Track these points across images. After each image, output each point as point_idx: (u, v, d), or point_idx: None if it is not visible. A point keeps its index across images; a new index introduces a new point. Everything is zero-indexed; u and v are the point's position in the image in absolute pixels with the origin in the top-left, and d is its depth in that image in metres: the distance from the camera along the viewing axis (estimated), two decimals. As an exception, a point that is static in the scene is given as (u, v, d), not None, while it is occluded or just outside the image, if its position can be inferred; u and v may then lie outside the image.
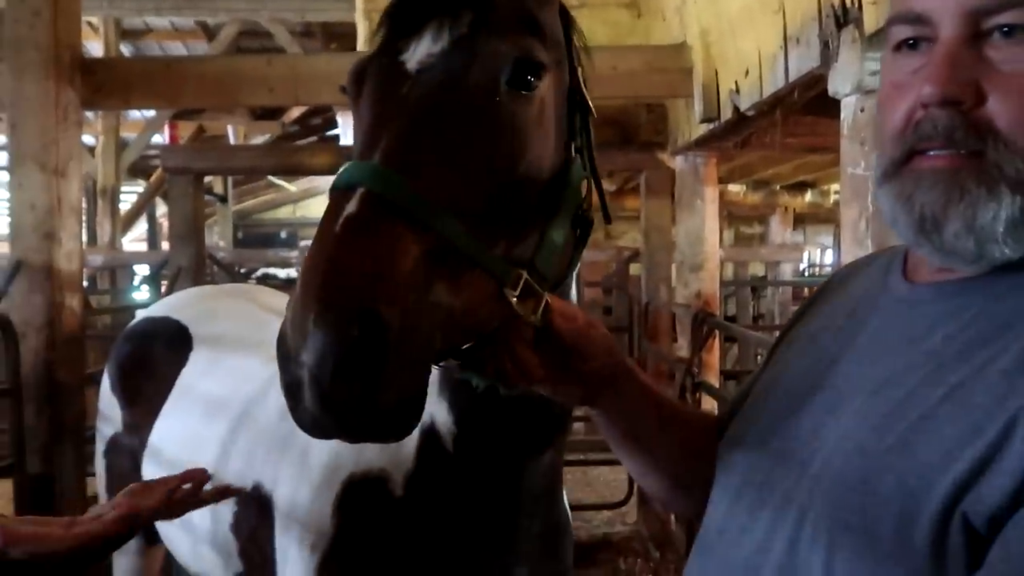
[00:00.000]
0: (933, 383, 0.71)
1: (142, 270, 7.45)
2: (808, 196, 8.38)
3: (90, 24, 7.61)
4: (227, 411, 1.92)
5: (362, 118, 0.95)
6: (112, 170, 8.21)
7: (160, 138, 8.73)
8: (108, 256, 7.34)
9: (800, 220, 9.85)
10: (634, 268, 6.08)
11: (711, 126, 3.67)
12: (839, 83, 2.33)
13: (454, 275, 0.84)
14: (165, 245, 9.73)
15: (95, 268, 6.81)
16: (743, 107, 3.23)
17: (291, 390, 0.79)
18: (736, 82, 3.27)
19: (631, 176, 6.98)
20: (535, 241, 0.97)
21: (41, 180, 3.28)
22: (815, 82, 2.64)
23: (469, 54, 0.93)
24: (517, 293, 0.90)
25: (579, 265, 1.20)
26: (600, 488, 5.71)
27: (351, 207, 0.81)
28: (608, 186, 7.36)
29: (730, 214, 9.70)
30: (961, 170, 0.69)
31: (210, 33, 8.69)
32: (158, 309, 2.62)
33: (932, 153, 0.71)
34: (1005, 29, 0.68)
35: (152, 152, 9.98)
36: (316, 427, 0.79)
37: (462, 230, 0.85)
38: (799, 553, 0.75)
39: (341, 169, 0.87)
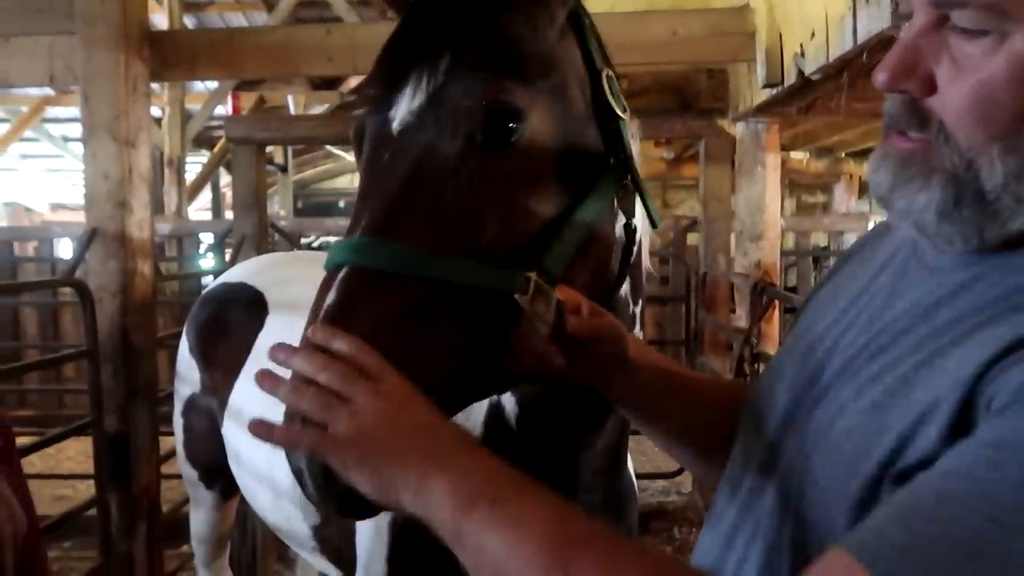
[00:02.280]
0: (917, 349, 0.71)
1: (207, 238, 7.66)
2: (875, 163, 8.10)
3: (155, -3, 7.78)
4: None
5: (362, 173, 0.97)
6: (178, 141, 8.42)
7: (223, 109, 8.91)
8: (175, 224, 7.56)
9: (865, 188, 9.54)
10: (691, 238, 5.99)
11: (774, 91, 3.57)
12: (911, 44, 2.24)
13: (453, 309, 0.87)
14: (228, 214, 9.98)
15: (163, 236, 7.03)
16: (808, 71, 3.13)
17: (297, 476, 0.85)
18: (801, 45, 3.17)
19: (690, 144, 6.85)
20: (543, 246, 0.95)
21: (113, 150, 3.40)
22: (885, 44, 2.53)
23: (442, 113, 0.91)
24: (529, 296, 0.89)
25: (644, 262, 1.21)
26: (655, 457, 5.71)
27: (333, 296, 0.88)
28: (666, 153, 7.24)
29: (792, 182, 9.45)
30: (913, 155, 0.72)
31: (269, 4, 8.79)
32: (233, 275, 2.70)
33: (894, 134, 0.74)
34: (962, 27, 0.68)
35: (215, 123, 10.21)
36: (323, 506, 0.86)
37: (456, 262, 0.87)
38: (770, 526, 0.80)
39: (333, 249, 0.91)
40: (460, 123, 0.90)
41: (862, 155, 8.04)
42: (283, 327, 2.27)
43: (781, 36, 3.42)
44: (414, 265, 0.85)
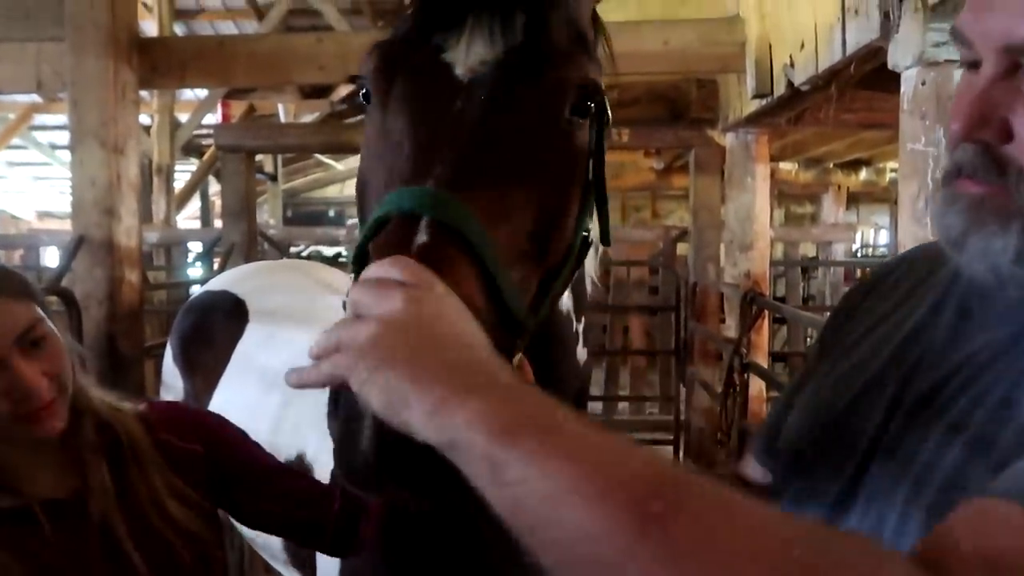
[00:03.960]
0: (1006, 377, 0.73)
1: (196, 247, 7.62)
2: (863, 174, 8.15)
3: (144, 4, 7.75)
4: (281, 383, 1.97)
5: (404, 124, 0.84)
6: (167, 149, 8.38)
7: (212, 118, 8.88)
8: (163, 233, 7.52)
9: (853, 199, 9.61)
10: (681, 248, 6.01)
11: (763, 102, 3.60)
12: (899, 55, 2.25)
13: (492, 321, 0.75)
14: (217, 223, 9.93)
15: (151, 245, 6.98)
16: (797, 82, 3.15)
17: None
18: (791, 56, 3.19)
19: (680, 154, 6.88)
20: (537, 288, 0.88)
21: (101, 157, 3.38)
22: (873, 55, 2.56)
23: (531, 74, 0.84)
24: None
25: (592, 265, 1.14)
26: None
27: (422, 238, 0.73)
28: (656, 164, 7.27)
29: (781, 193, 9.49)
30: (985, 200, 0.72)
31: (260, 12, 8.78)
32: (217, 283, 2.69)
33: (964, 178, 0.74)
34: None
35: (204, 132, 10.15)
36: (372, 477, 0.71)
37: (511, 281, 0.78)
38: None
39: (394, 194, 0.77)
40: (553, 90, 0.84)
41: (850, 166, 8.10)
42: (263, 334, 2.26)
43: (771, 47, 3.44)
44: (490, 257, 0.75)
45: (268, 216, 10.99)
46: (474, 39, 0.83)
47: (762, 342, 4.19)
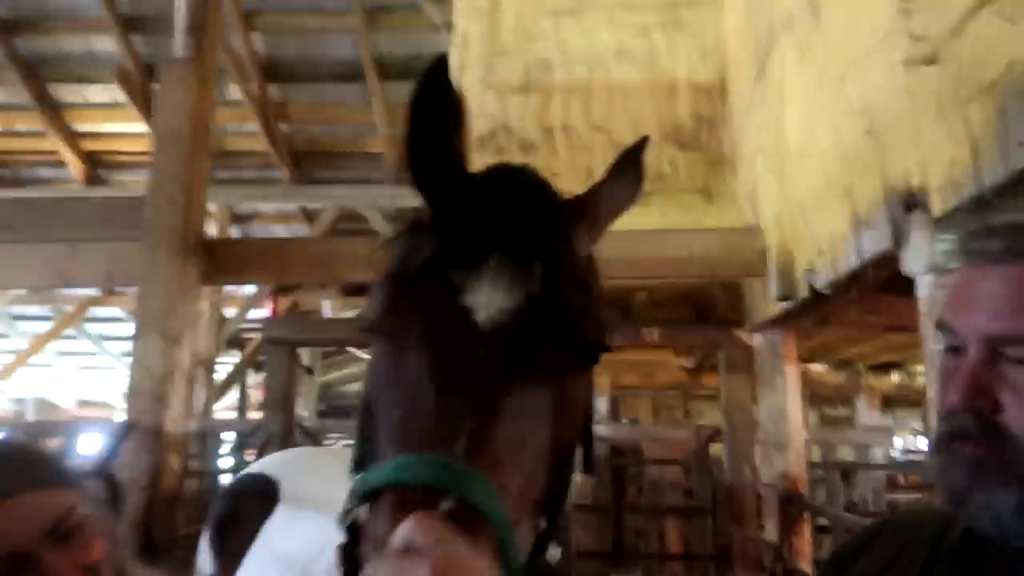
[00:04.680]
0: None
1: (229, 436, 7.71)
2: (895, 377, 8.15)
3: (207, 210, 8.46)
4: (293, 568, 1.98)
5: (421, 368, 0.79)
6: (212, 342, 8.74)
7: (256, 312, 9.35)
8: (201, 423, 7.65)
9: (888, 403, 9.52)
10: (715, 448, 5.96)
11: (788, 305, 3.75)
12: (912, 262, 2.41)
13: None
14: (252, 414, 10.07)
15: (188, 433, 7.10)
16: (819, 286, 3.31)
17: None
18: (810, 262, 3.38)
19: (709, 353, 7.00)
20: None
21: (160, 347, 3.59)
22: (889, 262, 2.72)
23: (551, 330, 0.81)
24: None
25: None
26: None
27: (448, 512, 0.70)
28: (686, 362, 7.37)
29: (814, 395, 9.45)
30: (985, 459, 0.84)
31: (310, 216, 9.50)
32: (256, 466, 2.75)
33: (962, 440, 0.86)
34: (1016, 358, 0.84)
35: (246, 326, 10.64)
36: None
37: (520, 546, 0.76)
38: None
39: (415, 459, 0.73)
40: (570, 350, 0.83)
41: (881, 368, 8.12)
42: (288, 518, 2.31)
43: (792, 253, 3.65)
44: (504, 526, 0.73)
45: (303, 408, 11.13)
46: (496, 283, 0.80)
47: (805, 547, 4.04)
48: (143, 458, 3.44)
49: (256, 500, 2.49)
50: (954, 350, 0.89)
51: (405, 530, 0.68)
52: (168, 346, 3.60)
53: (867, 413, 8.55)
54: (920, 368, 8.04)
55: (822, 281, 3.27)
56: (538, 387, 0.80)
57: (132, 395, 3.55)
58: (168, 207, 3.77)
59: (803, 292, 3.52)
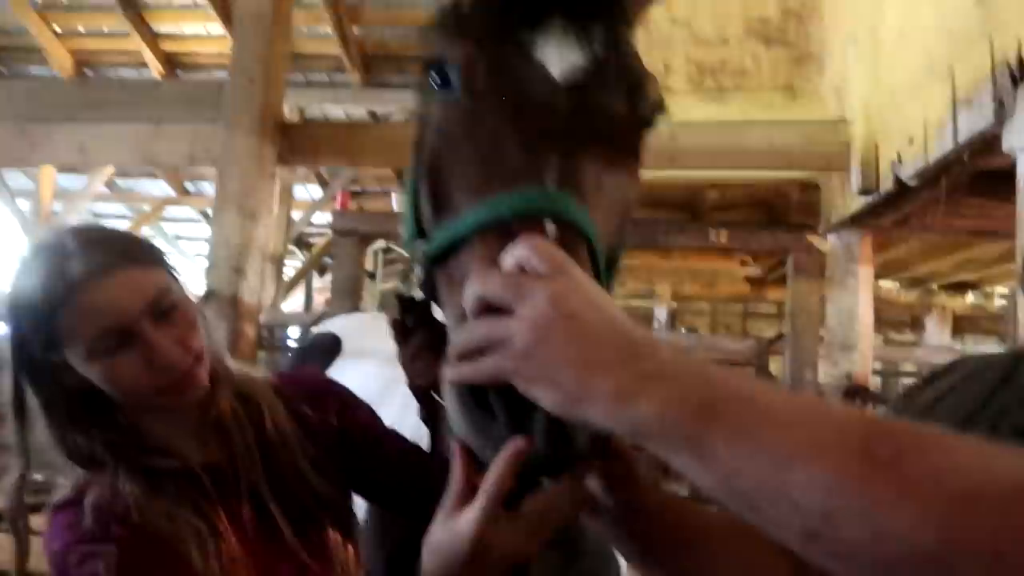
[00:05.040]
0: None
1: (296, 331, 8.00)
2: (970, 297, 7.89)
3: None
4: None
5: (503, 121, 0.79)
6: (281, 240, 8.95)
7: (322, 217, 9.51)
8: (270, 315, 7.92)
9: (959, 327, 9.24)
10: (773, 365, 5.92)
11: (869, 199, 3.63)
12: (1016, 138, 2.30)
13: None
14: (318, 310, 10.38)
15: (260, 325, 7.40)
16: (905, 176, 3.19)
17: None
18: (898, 152, 3.25)
19: (777, 264, 6.88)
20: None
21: (237, 222, 3.69)
22: (987, 145, 2.60)
23: (619, 88, 0.84)
24: None
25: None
26: None
27: (554, 235, 0.72)
28: (752, 271, 7.27)
29: (879, 318, 9.22)
30: None
31: (378, 120, 9.51)
32: (323, 326, 2.92)
33: None
34: None
35: (313, 230, 10.83)
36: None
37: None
38: None
39: (514, 195, 0.74)
40: (642, 103, 0.85)
41: (956, 288, 7.86)
42: (351, 364, 2.44)
43: (877, 146, 3.52)
44: (599, 250, 0.75)
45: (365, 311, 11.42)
46: (563, 44, 0.81)
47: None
48: (220, 325, 3.60)
49: (321, 352, 2.65)
50: None
51: (520, 252, 0.66)
52: (245, 221, 3.70)
53: (936, 335, 8.34)
54: (999, 289, 7.76)
55: (909, 171, 3.15)
56: (611, 141, 0.81)
57: (211, 267, 3.68)
58: (247, 86, 3.81)
59: (887, 185, 3.40)
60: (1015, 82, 2.30)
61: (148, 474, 1.08)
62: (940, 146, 2.83)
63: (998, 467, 0.50)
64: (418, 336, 0.91)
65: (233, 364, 1.24)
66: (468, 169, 0.79)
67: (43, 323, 1.04)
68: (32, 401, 1.09)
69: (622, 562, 1.48)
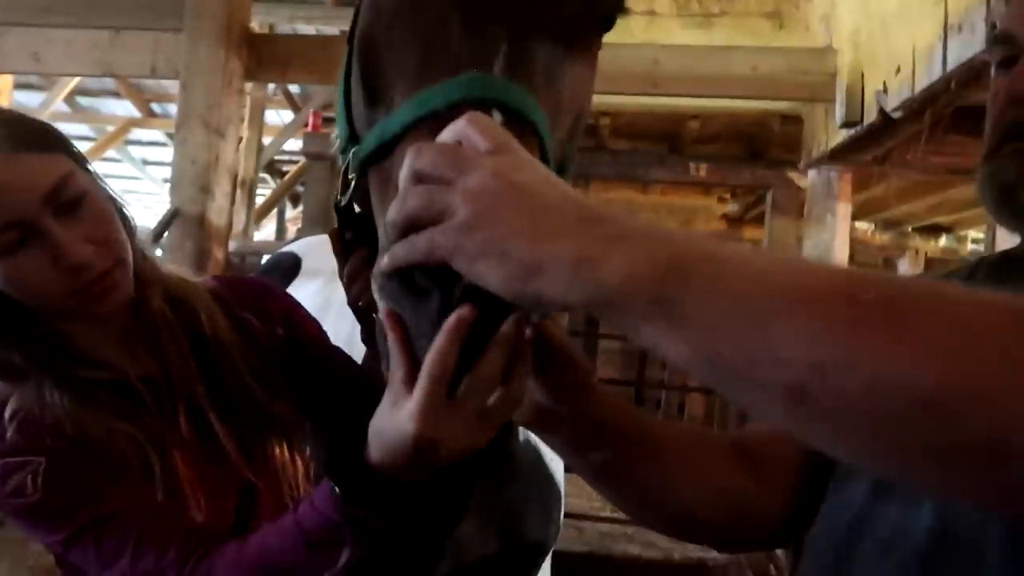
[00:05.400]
0: None
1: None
2: (943, 240, 7.95)
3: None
4: None
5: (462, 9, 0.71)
6: (252, 165, 8.72)
7: (294, 144, 9.26)
8: (242, 243, 7.77)
9: (931, 267, 9.37)
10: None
11: (851, 132, 3.58)
12: (1007, 64, 2.24)
13: None
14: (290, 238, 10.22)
15: (229, 253, 7.24)
16: (890, 107, 3.14)
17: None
18: (884, 82, 3.18)
19: (755, 201, 6.85)
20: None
21: (203, 138, 3.55)
22: (975, 74, 2.55)
23: None
24: None
25: None
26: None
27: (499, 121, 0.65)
28: (730, 208, 7.24)
29: (852, 259, 9.29)
30: None
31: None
32: (286, 247, 2.87)
33: (1018, 139, 0.82)
34: None
35: (284, 157, 10.57)
36: None
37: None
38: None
39: (459, 80, 0.66)
40: (592, 8, 0.77)
41: (930, 231, 7.91)
42: (306, 281, 2.42)
43: (863, 76, 3.44)
44: (548, 145, 0.69)
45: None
46: None
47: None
48: (186, 245, 3.49)
49: (281, 272, 2.63)
50: (1009, 63, 0.83)
51: (460, 127, 0.59)
52: (211, 138, 3.56)
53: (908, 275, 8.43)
54: (972, 233, 7.83)
55: (894, 102, 3.09)
56: (567, 30, 0.73)
57: (175, 184, 3.55)
58: (211, -8, 3.62)
59: (871, 117, 3.34)
60: (1008, 3, 2.22)
61: (78, 385, 0.99)
62: (928, 74, 2.77)
63: (990, 302, 0.46)
64: (358, 252, 0.84)
65: (165, 266, 1.14)
66: (404, 56, 0.70)
67: None
68: None
69: (561, 487, 1.48)
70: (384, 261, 0.61)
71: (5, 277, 0.95)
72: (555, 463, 1.45)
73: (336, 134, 0.83)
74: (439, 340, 0.60)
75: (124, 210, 1.06)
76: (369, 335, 1.02)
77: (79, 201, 0.96)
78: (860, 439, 0.47)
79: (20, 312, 0.99)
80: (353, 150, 0.75)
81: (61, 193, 0.94)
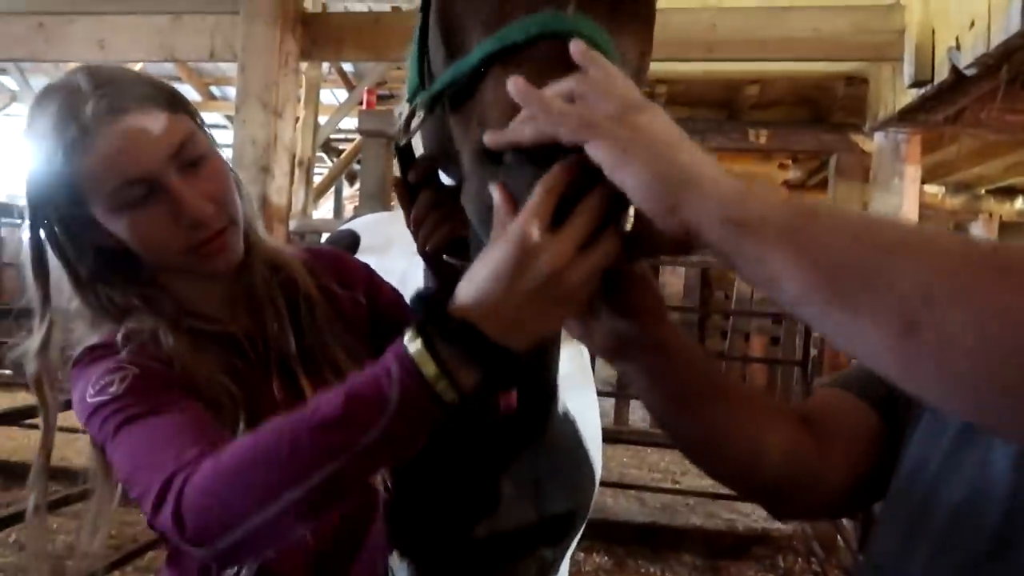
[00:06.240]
0: None
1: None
2: (1018, 203, 7.59)
3: None
4: None
5: None
6: (310, 144, 8.85)
7: (350, 122, 9.35)
8: (301, 222, 7.91)
9: (1005, 233, 8.96)
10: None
11: (921, 92, 3.43)
12: (1092, 13, 2.10)
13: None
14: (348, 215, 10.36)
15: (290, 232, 7.38)
16: (963, 64, 2.99)
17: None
18: (957, 38, 3.03)
19: (818, 167, 6.65)
20: None
21: (261, 118, 3.61)
22: (1056, 26, 2.40)
23: None
24: None
25: None
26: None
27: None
28: (792, 174, 7.04)
29: (922, 222, 8.92)
30: None
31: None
32: (345, 225, 2.90)
33: None
34: None
35: (340, 136, 10.68)
36: None
37: None
38: None
39: (536, 17, 0.68)
40: None
41: (1005, 193, 7.56)
42: (366, 258, 2.46)
43: (934, 33, 3.29)
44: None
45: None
46: None
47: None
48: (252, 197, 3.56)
49: (342, 248, 2.67)
50: None
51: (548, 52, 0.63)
52: (269, 118, 3.62)
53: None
54: (1049, 193, 7.46)
55: (968, 59, 2.94)
56: None
57: (235, 164, 3.62)
58: (266, -27, 3.65)
59: (942, 75, 3.19)
60: (1097, -50, 2.09)
61: (190, 332, 1.01)
62: (1005, 28, 2.62)
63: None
64: (424, 195, 0.84)
65: (265, 234, 1.17)
66: (482, 5, 0.72)
67: (59, 172, 0.95)
68: (53, 262, 1.02)
69: (597, 464, 1.47)
70: (510, 130, 0.63)
71: (129, 230, 0.97)
72: (592, 441, 1.44)
73: (406, 80, 0.85)
74: (540, 184, 0.62)
75: (236, 175, 1.08)
76: (436, 275, 1.03)
77: (200, 160, 0.98)
78: (960, 379, 0.48)
79: (132, 265, 1.03)
80: (423, 93, 0.77)
81: (186, 150, 0.96)
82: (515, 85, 0.62)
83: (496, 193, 0.66)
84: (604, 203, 0.63)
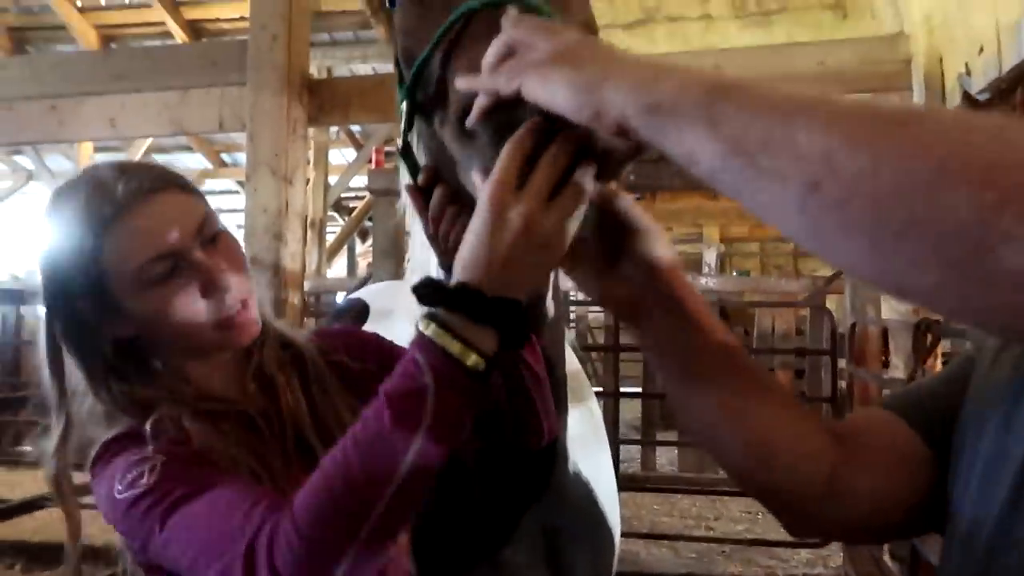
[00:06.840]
0: None
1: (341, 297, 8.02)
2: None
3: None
4: None
5: None
6: (320, 204, 8.92)
7: (359, 180, 9.44)
8: (315, 282, 7.93)
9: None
10: (831, 303, 5.70)
11: (933, 119, 3.39)
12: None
13: None
14: (361, 273, 10.40)
15: (305, 292, 7.40)
16: (975, 90, 2.96)
17: None
18: (966, 64, 3.01)
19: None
20: None
21: (272, 186, 3.62)
22: (1069, 47, 2.37)
23: None
24: None
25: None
26: (797, 526, 5.29)
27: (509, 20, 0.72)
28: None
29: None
30: None
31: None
32: (355, 295, 2.89)
33: None
34: None
35: (350, 194, 10.77)
36: None
37: None
38: None
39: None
40: None
41: None
42: (373, 324, 2.44)
43: (942, 60, 3.27)
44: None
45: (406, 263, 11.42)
46: None
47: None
48: (263, 294, 3.55)
49: (351, 317, 2.66)
50: None
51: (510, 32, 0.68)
52: (280, 185, 3.63)
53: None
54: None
55: (980, 83, 2.92)
56: None
57: (248, 233, 3.62)
58: (270, 43, 3.70)
59: (954, 101, 3.16)
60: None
61: (210, 417, 1.03)
62: (1016, 51, 2.60)
63: (986, 118, 0.49)
64: (438, 193, 0.86)
65: (273, 317, 1.20)
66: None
67: (86, 252, 0.97)
68: (69, 359, 1.03)
69: (616, 528, 1.42)
70: (463, 84, 0.71)
71: (155, 307, 0.99)
72: (609, 503, 1.41)
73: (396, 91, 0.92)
74: (504, 148, 0.69)
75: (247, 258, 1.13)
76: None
77: (217, 236, 1.04)
78: (860, 230, 0.49)
79: (143, 356, 1.05)
80: (401, 89, 0.86)
81: (206, 227, 1.02)
82: (456, 63, 0.72)
83: (474, 172, 0.73)
84: (564, 151, 0.68)
